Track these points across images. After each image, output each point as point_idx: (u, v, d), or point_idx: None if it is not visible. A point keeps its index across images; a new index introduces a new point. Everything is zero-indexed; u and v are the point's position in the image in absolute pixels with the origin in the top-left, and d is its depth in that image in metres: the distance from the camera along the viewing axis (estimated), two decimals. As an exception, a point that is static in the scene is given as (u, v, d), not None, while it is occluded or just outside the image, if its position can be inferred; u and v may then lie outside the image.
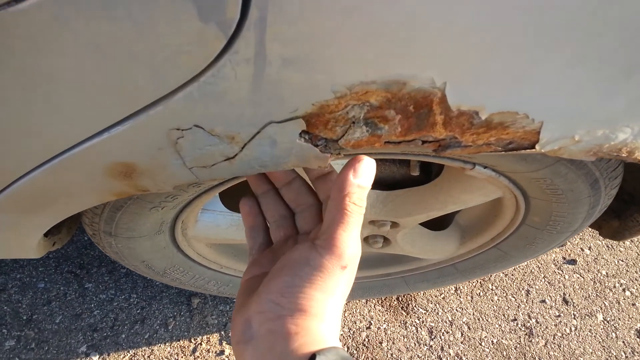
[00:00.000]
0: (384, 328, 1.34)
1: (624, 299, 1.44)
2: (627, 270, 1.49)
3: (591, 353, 1.36)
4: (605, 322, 1.41)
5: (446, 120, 0.47)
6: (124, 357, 1.23)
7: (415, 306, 1.38)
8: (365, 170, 0.46)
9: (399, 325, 1.35)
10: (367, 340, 1.27)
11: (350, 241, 0.43)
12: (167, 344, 1.26)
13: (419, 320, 1.36)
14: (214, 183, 0.73)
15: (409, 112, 0.46)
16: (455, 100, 0.45)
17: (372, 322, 1.35)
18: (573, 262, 1.49)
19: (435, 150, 0.52)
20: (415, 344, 1.33)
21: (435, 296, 1.40)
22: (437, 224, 1.09)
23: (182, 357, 1.25)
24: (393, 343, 1.32)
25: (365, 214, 0.89)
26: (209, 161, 0.51)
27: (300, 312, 0.40)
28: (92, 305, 1.29)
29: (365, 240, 1.04)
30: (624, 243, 1.53)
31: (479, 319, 1.38)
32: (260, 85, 0.43)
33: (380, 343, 1.32)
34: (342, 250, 0.42)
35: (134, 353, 1.24)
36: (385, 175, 0.90)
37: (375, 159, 0.89)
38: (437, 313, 1.38)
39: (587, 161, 0.70)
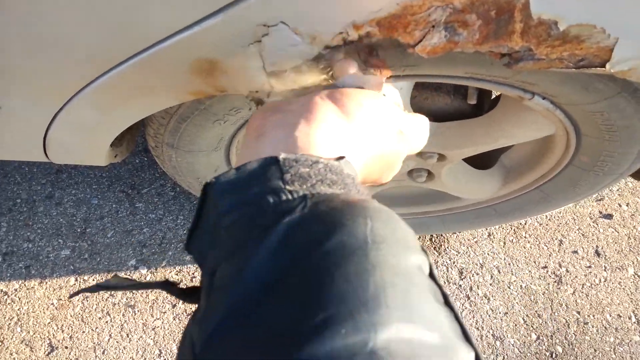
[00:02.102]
0: (416, 266, 1.39)
1: (657, 255, 1.45)
2: (663, 229, 1.49)
3: (618, 304, 1.38)
4: (636, 276, 1.42)
5: (525, 29, 0.49)
6: (170, 272, 1.31)
7: (447, 247, 1.42)
8: None
9: (431, 264, 1.39)
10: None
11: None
12: (210, 264, 1.33)
13: (450, 260, 1.40)
14: (278, 98, 0.76)
15: (490, 18, 0.48)
16: (537, 8, 0.47)
17: (405, 259, 1.39)
18: (609, 216, 1.50)
19: (508, 63, 0.54)
20: (444, 282, 1.37)
21: (468, 239, 1.43)
22: (481, 164, 1.11)
23: (223, 276, 1.32)
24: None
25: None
26: (288, 63, 0.54)
27: (346, 114, 0.41)
28: (142, 224, 1.36)
29: (410, 173, 1.07)
30: (663, 201, 1.53)
31: (509, 264, 1.41)
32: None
33: (412, 279, 1.36)
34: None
35: (180, 269, 1.32)
36: (437, 107, 0.92)
37: (431, 88, 0.91)
38: (469, 255, 1.41)
39: (647, 96, 0.70)
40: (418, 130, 0.48)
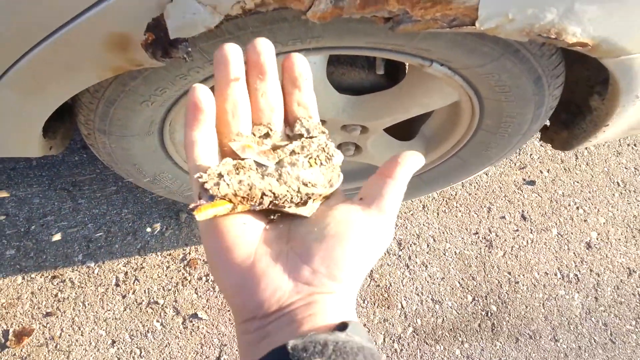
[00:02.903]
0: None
1: (577, 216, 1.58)
2: (582, 191, 1.62)
3: (545, 262, 1.50)
4: (559, 236, 1.55)
5: (397, -7, 0.56)
6: (118, 264, 1.34)
7: (386, 222, 1.50)
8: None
9: (372, 238, 1.47)
10: (372, 340, 1.38)
11: (396, 207, 0.41)
12: (158, 253, 1.36)
13: (389, 233, 1.49)
14: (199, 77, 0.81)
15: (365, -17, 0.55)
16: (403, -28, 0.54)
17: (346, 235, 1.47)
18: (532, 182, 1.62)
19: (392, 27, 0.61)
20: (385, 254, 1.45)
21: (405, 213, 1.52)
22: (406, 136, 1.19)
23: (172, 264, 1.36)
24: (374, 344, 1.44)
25: (336, 117, 0.98)
26: (191, 31, 0.59)
27: (341, 282, 0.37)
28: (86, 219, 1.38)
29: (338, 148, 1.14)
30: (579, 166, 1.66)
31: (443, 233, 1.50)
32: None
33: (354, 254, 1.44)
34: (389, 208, 0.40)
35: (128, 261, 1.34)
36: (354, 81, 0.99)
37: (346, 62, 0.98)
38: (406, 227, 1.50)
39: (529, 57, 0.79)
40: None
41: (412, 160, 0.41)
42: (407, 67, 1.14)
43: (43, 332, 1.25)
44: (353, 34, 0.72)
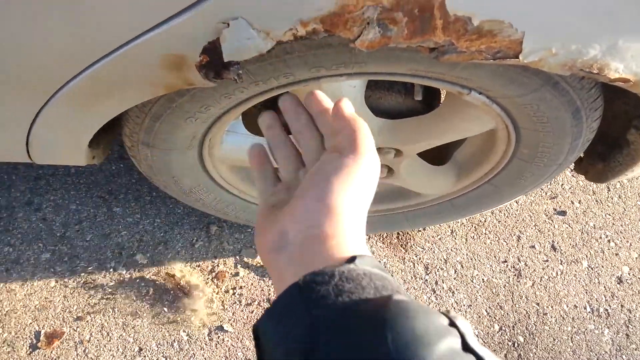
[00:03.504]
0: (384, 262, 1.46)
1: (609, 249, 1.55)
2: (613, 224, 1.60)
3: (574, 295, 1.48)
4: (590, 268, 1.52)
5: (445, 25, 0.58)
6: (148, 273, 1.36)
7: (413, 244, 1.50)
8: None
9: (398, 261, 1.47)
10: (385, 268, 1.39)
11: (368, 142, 0.46)
12: (187, 264, 1.39)
13: (416, 257, 1.48)
14: (243, 97, 0.83)
15: (414, 15, 0.56)
16: (452, 6, 0.56)
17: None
18: (563, 213, 1.60)
19: (437, 56, 0.63)
20: (412, 278, 1.45)
21: (432, 237, 1.52)
22: (438, 161, 1.20)
23: (200, 276, 1.38)
24: (391, 276, 1.44)
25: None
26: (244, 55, 0.62)
27: (336, 215, 0.41)
28: (120, 227, 1.42)
29: (371, 170, 1.15)
30: (612, 198, 1.64)
31: (471, 259, 1.50)
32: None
33: (380, 275, 1.44)
34: (364, 151, 0.44)
35: (158, 270, 1.37)
36: (391, 106, 1.01)
37: (383, 87, 0.99)
38: (433, 252, 1.50)
39: (568, 89, 0.80)
40: (374, 148, 0.47)
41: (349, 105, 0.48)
42: (442, 93, 1.16)
43: (73, 336, 1.28)
44: (396, 61, 0.74)
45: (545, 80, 0.77)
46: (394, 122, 1.00)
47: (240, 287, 1.39)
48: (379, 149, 1.06)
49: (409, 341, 0.29)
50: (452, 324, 0.32)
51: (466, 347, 0.31)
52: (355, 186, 0.43)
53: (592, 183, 1.65)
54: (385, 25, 0.58)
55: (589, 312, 1.46)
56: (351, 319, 0.33)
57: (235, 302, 1.37)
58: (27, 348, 1.25)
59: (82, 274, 1.35)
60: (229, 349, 1.31)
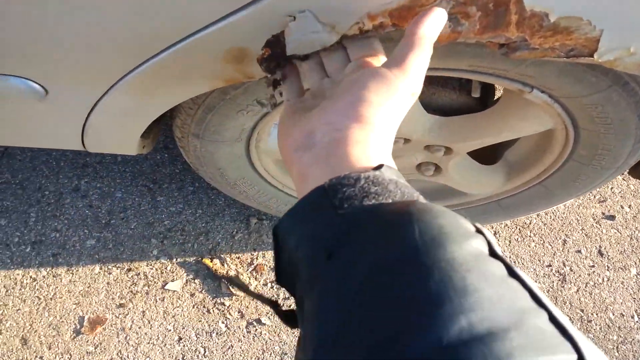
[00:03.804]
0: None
1: (660, 256, 1.49)
2: (666, 231, 1.53)
3: (621, 303, 1.42)
4: (638, 276, 1.46)
5: (519, 21, 0.55)
6: (189, 262, 1.38)
7: (455, 245, 1.47)
8: (437, 16, 0.48)
9: (439, 260, 1.45)
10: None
11: (419, 66, 0.44)
12: (227, 255, 1.40)
13: (457, 257, 1.45)
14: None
15: (489, 10, 0.54)
16: (530, 1, 0.53)
17: (413, 255, 1.45)
18: (612, 217, 1.54)
19: (506, 53, 0.60)
20: (452, 278, 1.42)
21: (475, 238, 1.49)
22: (486, 160, 1.17)
23: (240, 268, 1.38)
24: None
25: (422, 138, 0.98)
26: (307, 49, 0.61)
27: (367, 124, 0.41)
28: (163, 216, 1.44)
29: (418, 167, 1.13)
30: (665, 204, 1.57)
31: (515, 262, 1.46)
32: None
33: (420, 274, 1.42)
34: (410, 71, 0.43)
35: (198, 260, 1.38)
36: (444, 102, 0.98)
37: (437, 83, 0.97)
38: (476, 253, 1.46)
39: (638, 90, 0.76)
40: (422, 74, 0.47)
41: (434, 18, 0.46)
42: (496, 90, 1.12)
43: (115, 323, 1.30)
44: (458, 56, 0.72)
45: (614, 81, 0.73)
46: (447, 119, 0.97)
47: (279, 281, 1.39)
48: (427, 147, 1.04)
49: (435, 236, 0.29)
50: (479, 230, 0.32)
51: (493, 253, 0.30)
52: (392, 102, 0.42)
53: (644, 187, 1.59)
54: (456, 20, 0.56)
55: (637, 321, 1.41)
56: (378, 215, 0.32)
57: (273, 295, 1.37)
58: (71, 333, 1.28)
59: (126, 262, 1.37)
60: (266, 342, 1.31)
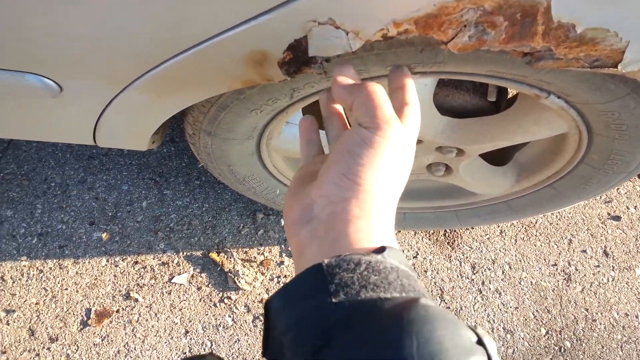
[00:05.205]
0: (430, 259, 1.45)
1: (664, 257, 1.50)
2: (671, 232, 1.54)
3: (625, 303, 1.43)
4: (643, 277, 1.47)
5: (546, 31, 0.55)
6: (196, 256, 1.38)
7: (460, 243, 1.48)
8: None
9: (444, 258, 1.45)
10: (412, 267, 1.38)
11: (390, 114, 0.42)
12: (234, 250, 1.40)
13: (463, 255, 1.46)
14: (311, 91, 0.82)
15: (515, 20, 0.54)
16: (558, 12, 0.53)
17: (419, 252, 1.45)
18: (617, 218, 1.55)
19: (530, 62, 0.60)
20: (457, 276, 1.43)
21: (480, 236, 1.49)
22: (497, 161, 1.16)
23: (246, 262, 1.39)
24: (437, 273, 1.42)
25: (434, 139, 0.97)
26: (330, 53, 0.60)
27: (364, 192, 0.39)
28: (170, 210, 1.44)
29: (428, 167, 1.13)
30: (671, 205, 1.58)
31: (520, 261, 1.46)
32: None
33: (425, 272, 1.42)
34: (387, 124, 0.41)
35: (205, 254, 1.38)
36: (457, 104, 0.98)
37: (452, 85, 0.96)
38: (481, 251, 1.47)
39: (656, 98, 0.76)
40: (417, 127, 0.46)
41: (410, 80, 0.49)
42: (509, 93, 1.12)
43: (122, 315, 1.31)
44: (477, 61, 0.71)
45: (633, 88, 0.73)
46: (460, 121, 0.97)
47: (285, 276, 1.39)
48: (439, 148, 1.03)
49: (434, 353, 0.27)
50: (480, 341, 0.30)
51: None
52: (384, 163, 0.40)
53: (650, 188, 1.59)
54: (482, 29, 0.55)
55: (640, 321, 1.42)
56: (374, 318, 0.30)
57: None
58: (78, 324, 1.28)
59: (132, 255, 1.37)
60: (272, 336, 1.31)
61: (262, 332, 0.35)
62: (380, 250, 0.35)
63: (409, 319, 0.29)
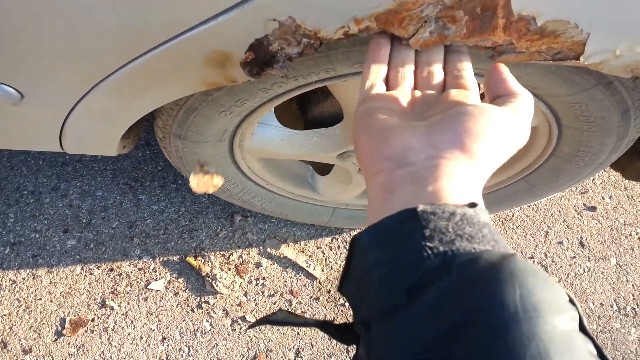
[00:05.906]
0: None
1: (638, 246, 1.52)
2: (644, 221, 1.56)
3: (601, 293, 1.45)
4: (618, 266, 1.49)
5: (506, 25, 0.55)
6: (173, 261, 1.36)
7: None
8: None
9: (423, 254, 1.45)
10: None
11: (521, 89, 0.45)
12: (211, 253, 1.38)
13: (442, 251, 1.46)
14: (280, 91, 0.81)
15: (476, 14, 0.54)
16: (518, 5, 0.53)
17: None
18: (593, 208, 1.57)
19: (492, 56, 0.60)
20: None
21: (459, 231, 1.50)
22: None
23: (224, 265, 1.37)
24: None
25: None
26: (292, 52, 0.60)
27: (473, 159, 0.38)
28: (145, 215, 1.41)
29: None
30: (644, 195, 1.60)
31: (498, 254, 1.47)
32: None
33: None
34: (522, 109, 0.43)
35: (182, 258, 1.37)
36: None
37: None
38: (460, 246, 1.48)
39: (621, 89, 0.77)
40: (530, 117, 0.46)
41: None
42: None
43: (97, 324, 1.28)
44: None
45: (598, 80, 0.74)
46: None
47: (264, 278, 1.38)
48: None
49: (537, 304, 0.27)
50: (572, 301, 0.31)
51: (583, 329, 0.29)
52: (503, 141, 0.41)
53: (624, 179, 1.62)
54: (443, 24, 0.55)
55: (616, 310, 1.44)
56: (473, 265, 0.30)
57: (258, 293, 1.36)
58: (53, 335, 1.26)
59: (108, 262, 1.35)
60: (251, 339, 1.30)
61: (343, 267, 0.34)
62: (473, 205, 0.35)
63: (510, 269, 0.29)
